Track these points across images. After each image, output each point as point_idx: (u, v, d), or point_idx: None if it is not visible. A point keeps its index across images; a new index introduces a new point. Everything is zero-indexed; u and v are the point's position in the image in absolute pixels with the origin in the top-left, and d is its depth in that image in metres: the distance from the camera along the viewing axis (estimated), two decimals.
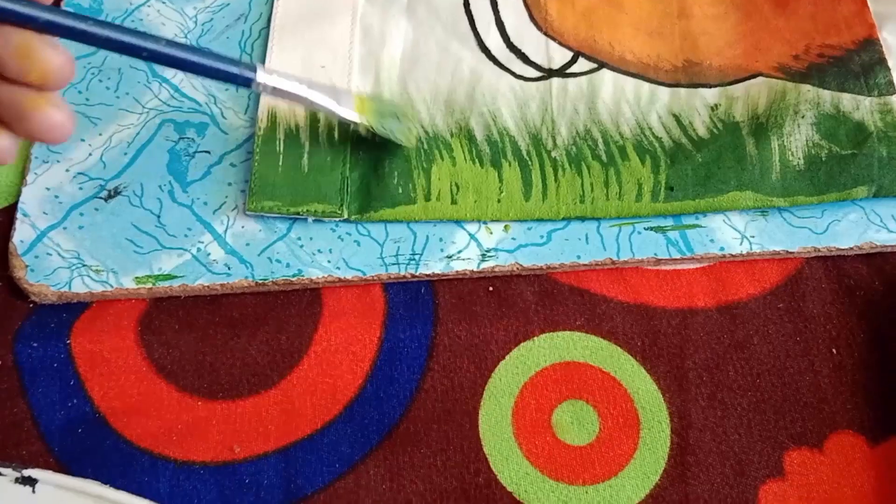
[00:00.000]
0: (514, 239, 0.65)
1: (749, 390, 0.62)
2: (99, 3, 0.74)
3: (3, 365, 0.62)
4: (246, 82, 0.59)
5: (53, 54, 0.47)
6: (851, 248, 0.65)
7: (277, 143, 0.66)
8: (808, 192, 0.66)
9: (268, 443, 0.61)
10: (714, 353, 0.63)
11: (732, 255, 0.65)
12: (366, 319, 0.63)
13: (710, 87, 0.71)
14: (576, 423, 0.61)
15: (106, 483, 0.59)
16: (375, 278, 0.64)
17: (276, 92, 0.61)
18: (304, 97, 0.62)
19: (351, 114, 0.64)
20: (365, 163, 0.67)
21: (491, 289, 0.65)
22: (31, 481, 0.56)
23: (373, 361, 0.62)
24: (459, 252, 0.64)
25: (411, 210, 0.65)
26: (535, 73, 0.72)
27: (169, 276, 0.63)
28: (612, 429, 0.61)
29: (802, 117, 0.68)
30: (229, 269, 0.64)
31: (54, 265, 0.63)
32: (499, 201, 0.66)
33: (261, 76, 0.59)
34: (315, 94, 0.62)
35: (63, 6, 0.73)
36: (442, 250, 0.65)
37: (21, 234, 0.64)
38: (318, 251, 0.64)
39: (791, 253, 0.65)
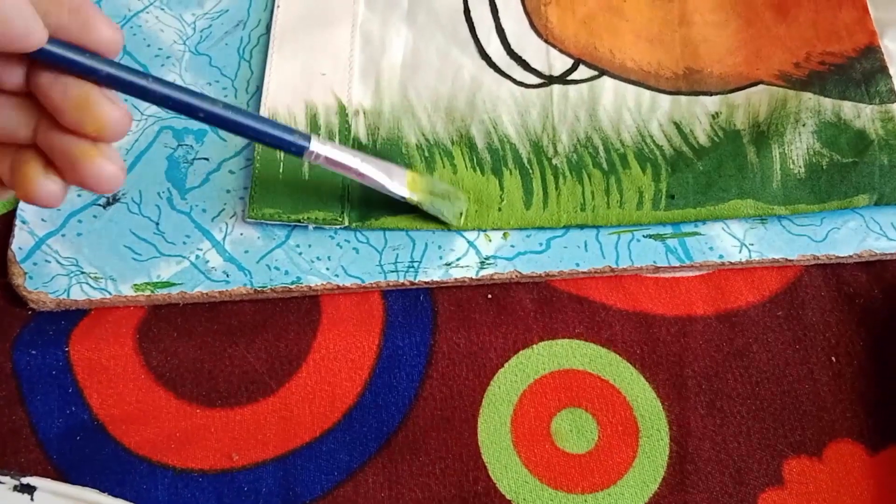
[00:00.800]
0: (512, 246, 0.65)
1: (748, 398, 0.62)
2: None
3: (1, 372, 0.61)
4: (299, 151, 0.58)
5: (111, 108, 0.47)
6: (851, 256, 0.65)
7: (278, 150, 0.66)
8: (809, 201, 0.66)
9: (266, 450, 0.61)
10: (713, 361, 0.63)
11: (731, 263, 0.65)
12: (364, 327, 0.63)
13: (711, 94, 0.71)
14: (575, 431, 0.61)
15: (104, 491, 0.59)
16: (374, 286, 0.64)
17: (328, 162, 0.60)
18: (356, 170, 0.61)
19: (402, 191, 0.63)
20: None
21: (490, 296, 0.65)
22: (29, 489, 0.56)
23: (371, 369, 0.62)
24: (458, 259, 0.64)
25: (413, 218, 0.65)
26: (535, 81, 0.72)
27: (167, 284, 0.63)
28: (611, 437, 0.61)
29: (803, 125, 0.68)
30: (228, 276, 0.64)
31: (53, 272, 0.63)
32: (500, 209, 0.66)
33: (314, 146, 0.59)
34: (368, 167, 0.62)
35: None
36: (441, 258, 0.64)
37: (19, 241, 0.64)
38: (317, 258, 0.64)
39: (790, 261, 0.65)
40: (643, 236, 0.65)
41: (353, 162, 0.61)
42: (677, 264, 0.64)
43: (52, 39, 0.45)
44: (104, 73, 0.47)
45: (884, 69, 0.70)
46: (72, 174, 0.48)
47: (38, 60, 0.46)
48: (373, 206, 0.65)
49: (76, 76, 0.46)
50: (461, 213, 0.66)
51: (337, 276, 0.64)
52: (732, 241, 0.65)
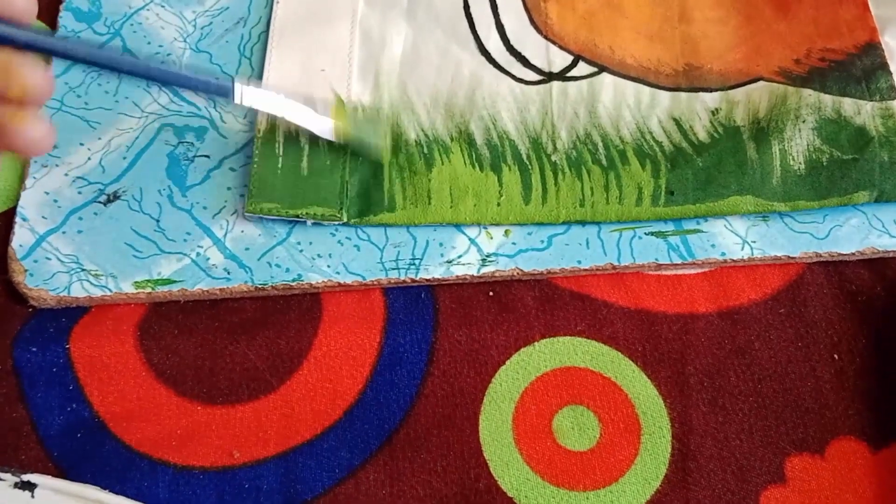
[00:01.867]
0: (514, 244, 0.65)
1: (750, 396, 0.62)
2: (98, 7, 0.73)
3: (2, 369, 0.61)
4: (224, 93, 0.60)
5: (33, 72, 0.48)
6: (853, 254, 0.65)
7: (277, 145, 0.66)
8: (809, 197, 0.66)
9: (267, 448, 0.61)
10: (715, 358, 0.63)
11: (734, 261, 0.65)
12: (366, 324, 0.63)
13: (711, 91, 0.71)
14: (576, 429, 0.61)
15: (105, 488, 0.58)
16: (375, 283, 0.64)
17: (254, 103, 0.62)
18: (278, 107, 0.63)
19: (328, 125, 0.64)
20: (364, 167, 0.67)
21: (491, 294, 0.65)
22: (29, 486, 0.56)
23: (373, 366, 0.62)
24: (460, 257, 0.64)
25: (411, 214, 0.65)
26: (535, 77, 0.72)
27: (168, 281, 0.63)
28: (612, 434, 0.61)
29: (804, 122, 0.68)
30: (229, 273, 0.63)
31: (53, 270, 0.63)
32: (498, 205, 0.66)
33: (238, 88, 0.60)
34: (290, 103, 0.64)
35: (62, 10, 0.73)
36: (442, 255, 0.64)
37: (20, 239, 0.64)
38: (318, 256, 0.64)
39: (792, 258, 0.65)
40: (645, 233, 0.65)
41: (276, 100, 0.63)
42: (679, 261, 0.64)
43: None
44: (23, 40, 0.49)
45: (884, 66, 0.70)
46: (2, 140, 0.49)
47: None
48: (371, 202, 0.65)
49: None
50: (384, 147, 0.67)
51: (338, 273, 0.64)
52: (734, 238, 0.65)
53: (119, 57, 0.54)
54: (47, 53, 0.52)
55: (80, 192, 0.66)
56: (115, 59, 0.54)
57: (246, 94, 0.61)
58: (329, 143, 0.66)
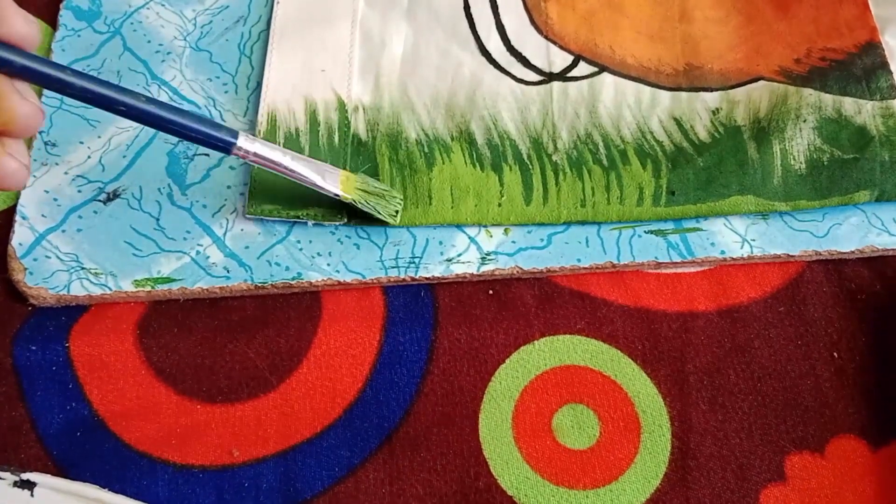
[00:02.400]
0: (514, 242, 0.65)
1: (750, 394, 0.62)
2: (98, 6, 0.73)
3: (1, 368, 0.61)
4: (226, 147, 0.58)
5: (20, 103, 0.47)
6: (853, 252, 0.65)
7: (277, 145, 0.66)
8: (809, 197, 0.66)
9: (267, 446, 0.61)
10: (715, 356, 0.63)
11: (733, 259, 0.65)
12: (365, 323, 0.63)
13: (712, 90, 0.71)
14: (576, 427, 0.61)
15: (104, 486, 0.58)
16: (375, 281, 0.64)
17: (257, 158, 0.60)
18: (285, 167, 0.61)
19: (336, 189, 0.63)
20: (365, 168, 0.66)
21: (491, 292, 0.65)
22: (29, 485, 0.56)
23: (372, 365, 0.62)
24: (459, 255, 0.64)
25: (412, 214, 0.65)
26: (535, 77, 0.72)
27: (168, 279, 0.63)
28: (612, 433, 0.61)
29: (804, 121, 0.68)
30: (228, 272, 0.63)
31: (53, 268, 0.63)
32: (499, 205, 0.66)
33: (242, 142, 0.59)
34: (298, 165, 0.62)
35: (63, 8, 0.73)
36: (442, 253, 0.64)
37: (20, 237, 0.64)
38: (318, 254, 0.64)
39: (792, 256, 0.65)
40: (644, 232, 0.65)
41: (282, 159, 0.61)
42: (679, 260, 0.64)
43: None
44: (18, 65, 0.47)
45: (884, 65, 0.70)
46: None
47: None
48: None
49: None
50: (397, 212, 0.65)
51: (338, 271, 0.64)
52: (734, 236, 0.65)
53: (118, 95, 0.52)
54: (43, 84, 0.50)
55: (79, 191, 0.66)
56: (113, 98, 0.52)
57: (250, 147, 0.59)
58: (329, 143, 0.67)
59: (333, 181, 0.63)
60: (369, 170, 0.67)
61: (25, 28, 0.47)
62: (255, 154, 0.60)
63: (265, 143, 0.60)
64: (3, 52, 0.47)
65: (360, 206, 0.64)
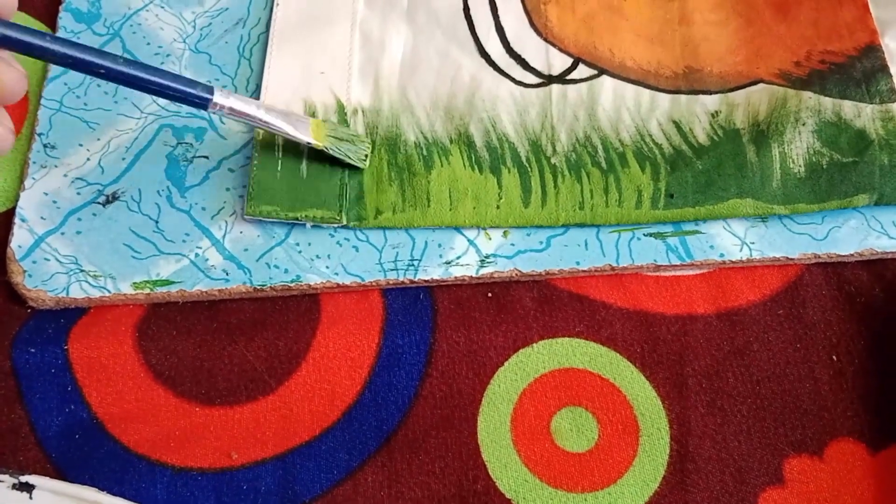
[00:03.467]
0: (513, 245, 0.65)
1: (749, 397, 0.62)
2: (97, 8, 0.73)
3: (0, 370, 0.61)
4: (203, 103, 0.59)
5: (4, 70, 0.47)
6: (852, 255, 0.65)
7: (276, 148, 0.66)
8: (809, 200, 0.66)
9: (265, 449, 0.61)
10: (714, 359, 0.63)
11: (732, 262, 0.65)
12: (364, 325, 0.63)
13: (711, 93, 0.71)
14: (575, 430, 0.61)
15: (103, 489, 0.58)
16: (374, 284, 0.64)
17: (232, 113, 0.61)
18: (259, 119, 0.62)
19: (307, 137, 0.64)
20: (364, 169, 0.67)
21: (490, 295, 0.65)
22: (28, 487, 0.56)
23: (371, 367, 0.62)
24: (458, 258, 0.64)
25: (411, 216, 0.65)
26: (534, 80, 0.72)
27: (167, 282, 0.63)
28: (611, 436, 0.61)
29: (803, 125, 0.68)
30: (227, 274, 0.63)
31: (52, 270, 0.63)
32: (498, 208, 0.66)
33: (218, 97, 0.59)
34: (270, 117, 0.63)
35: (62, 11, 0.73)
36: (441, 256, 0.64)
37: (19, 239, 0.64)
38: (317, 257, 0.64)
39: (791, 259, 0.65)
40: (644, 234, 0.65)
41: (256, 112, 0.62)
42: (678, 263, 0.64)
43: None
44: None
45: (884, 68, 0.70)
46: None
47: None
48: (370, 204, 0.65)
49: None
50: (366, 156, 0.66)
51: (337, 274, 0.64)
52: (733, 239, 0.65)
53: (97, 59, 0.52)
54: (23, 51, 0.50)
55: (78, 193, 0.66)
56: (93, 62, 0.52)
57: (226, 103, 0.60)
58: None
59: (305, 130, 0.64)
60: (369, 173, 0.67)
61: None
62: (231, 109, 0.60)
63: (239, 98, 0.61)
64: None
65: (331, 152, 0.65)
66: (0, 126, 0.47)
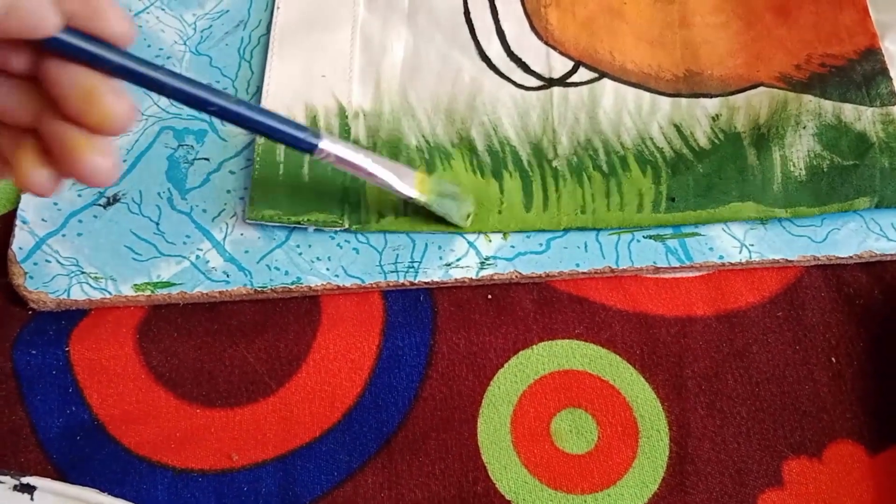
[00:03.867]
0: (512, 247, 0.65)
1: (748, 399, 0.62)
2: None
3: (1, 372, 0.62)
4: (309, 148, 0.58)
5: (116, 101, 0.46)
6: (851, 257, 0.65)
7: (278, 152, 0.66)
8: (809, 203, 0.66)
9: (266, 451, 0.61)
10: (713, 361, 0.63)
11: (731, 264, 0.65)
12: (364, 327, 0.63)
13: (712, 97, 0.71)
14: (574, 432, 0.61)
15: (104, 490, 0.58)
16: (374, 286, 0.64)
17: (338, 161, 0.59)
18: (364, 169, 0.61)
19: (411, 191, 0.63)
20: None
21: (490, 297, 0.65)
22: (29, 489, 0.56)
23: (371, 369, 0.62)
24: (458, 260, 0.64)
25: (413, 220, 0.65)
26: (535, 83, 0.72)
27: (167, 284, 0.63)
28: (610, 437, 0.61)
29: (804, 128, 0.68)
30: (228, 276, 0.64)
31: (53, 272, 0.63)
32: (500, 212, 0.66)
33: (325, 144, 0.58)
34: (377, 167, 0.61)
35: None
36: (441, 258, 0.65)
37: (20, 241, 0.64)
38: (317, 259, 0.64)
39: (790, 261, 0.65)
40: (643, 237, 0.65)
41: (363, 161, 0.60)
42: (677, 265, 0.64)
43: (68, 29, 0.44)
44: (114, 64, 0.46)
45: (884, 71, 0.70)
46: (65, 165, 0.47)
47: (47, 46, 0.44)
48: (372, 208, 0.65)
49: (85, 65, 0.45)
50: (468, 215, 0.65)
51: (337, 276, 0.64)
52: (732, 241, 0.65)
53: (210, 97, 0.52)
54: (137, 83, 0.49)
55: (79, 195, 0.66)
56: (206, 99, 0.52)
57: (333, 150, 0.59)
58: None
59: (409, 182, 0.63)
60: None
61: (122, 26, 0.46)
62: (337, 156, 0.59)
63: (346, 145, 0.60)
64: (100, 50, 0.46)
65: (433, 208, 0.64)
66: (106, 158, 0.47)
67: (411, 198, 0.63)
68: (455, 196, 0.65)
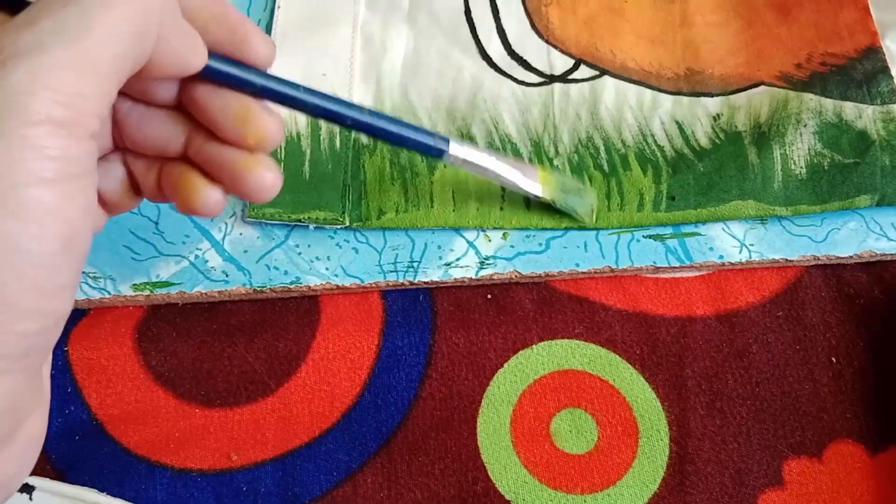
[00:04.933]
0: (512, 247, 0.65)
1: (748, 399, 0.62)
2: None
3: None
4: (439, 153, 0.58)
5: (269, 119, 0.47)
6: (851, 257, 0.65)
7: (279, 150, 0.66)
8: (810, 202, 0.66)
9: (265, 450, 0.61)
10: (713, 361, 0.63)
11: (731, 264, 0.65)
12: (364, 327, 0.63)
13: (712, 96, 0.71)
14: (574, 432, 0.61)
15: (103, 490, 0.59)
16: (373, 286, 0.64)
17: (465, 164, 0.60)
18: (491, 170, 0.61)
19: (535, 187, 0.63)
20: (366, 170, 0.67)
21: (489, 296, 0.65)
22: (28, 488, 0.56)
23: (371, 369, 0.62)
24: (458, 260, 0.64)
25: (414, 217, 0.65)
26: (536, 79, 0.72)
27: (166, 283, 0.63)
28: (610, 437, 0.61)
29: (805, 126, 0.68)
30: (227, 276, 0.64)
31: None
32: (501, 209, 0.66)
33: (453, 149, 0.59)
34: (503, 167, 0.62)
35: None
36: (440, 258, 0.64)
37: None
38: (316, 258, 0.64)
39: (790, 261, 0.65)
40: (643, 236, 0.65)
41: (489, 162, 0.61)
42: (677, 264, 0.64)
43: (211, 54, 0.45)
44: (260, 86, 0.47)
45: (885, 70, 0.70)
46: (232, 185, 0.48)
47: (197, 75, 0.45)
48: (373, 205, 0.65)
49: (234, 90, 0.47)
50: (592, 210, 0.66)
51: (336, 276, 0.64)
52: (732, 241, 0.65)
53: (345, 111, 0.53)
54: (279, 101, 0.50)
55: None
56: (342, 114, 0.53)
57: (461, 154, 0.59)
58: (331, 146, 0.66)
59: (533, 177, 0.63)
60: (371, 174, 0.66)
61: (265, 49, 0.47)
62: (464, 160, 0.60)
63: (471, 147, 0.60)
64: (246, 74, 0.47)
65: (558, 205, 0.64)
66: (272, 172, 0.48)
67: (538, 196, 0.63)
68: (579, 191, 0.65)
